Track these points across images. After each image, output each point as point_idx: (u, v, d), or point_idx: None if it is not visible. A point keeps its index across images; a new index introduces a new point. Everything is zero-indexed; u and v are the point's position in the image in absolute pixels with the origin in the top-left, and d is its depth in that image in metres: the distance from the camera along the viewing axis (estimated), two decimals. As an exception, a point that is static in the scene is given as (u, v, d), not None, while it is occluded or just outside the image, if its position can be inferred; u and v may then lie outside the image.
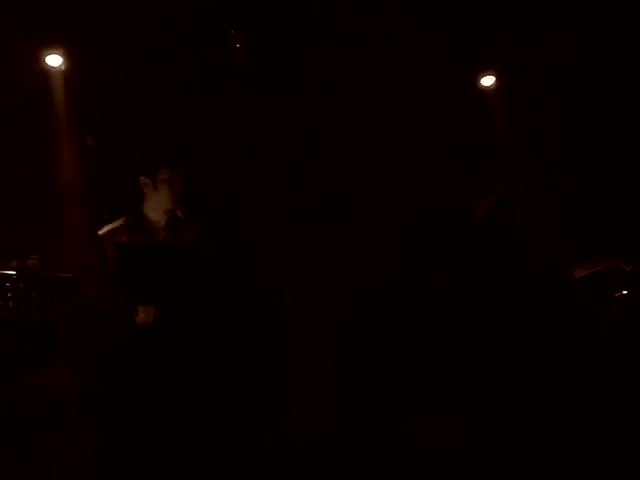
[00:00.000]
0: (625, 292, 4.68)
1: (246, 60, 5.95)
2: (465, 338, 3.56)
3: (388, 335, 4.01)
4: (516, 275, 3.67)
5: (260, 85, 6.01)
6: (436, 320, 3.62)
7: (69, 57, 5.77)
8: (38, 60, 5.74)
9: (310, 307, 5.09)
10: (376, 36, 5.97)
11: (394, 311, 3.96)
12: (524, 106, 6.12)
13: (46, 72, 5.78)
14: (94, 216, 5.40)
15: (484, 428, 3.55)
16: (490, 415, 3.52)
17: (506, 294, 3.61)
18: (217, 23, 5.91)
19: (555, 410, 3.61)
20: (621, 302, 4.69)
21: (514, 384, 3.53)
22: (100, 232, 4.71)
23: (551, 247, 4.93)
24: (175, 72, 5.91)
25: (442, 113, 6.04)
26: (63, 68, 5.77)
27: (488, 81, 6.30)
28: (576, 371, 3.78)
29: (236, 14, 5.93)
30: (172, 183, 4.71)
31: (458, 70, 6.11)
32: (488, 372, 3.54)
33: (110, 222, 4.76)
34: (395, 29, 5.96)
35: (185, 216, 4.77)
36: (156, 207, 4.74)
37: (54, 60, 5.75)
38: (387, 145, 6.07)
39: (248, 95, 6.01)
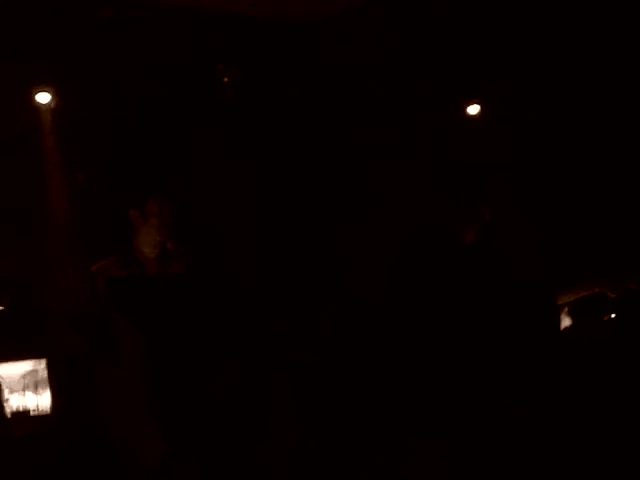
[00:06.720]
0: (613, 315, 4.71)
1: (234, 92, 6.02)
2: (450, 364, 3.59)
3: (370, 358, 4.03)
4: (502, 301, 3.70)
5: (247, 116, 6.08)
6: (420, 344, 3.64)
7: (58, 94, 5.82)
8: (28, 97, 5.79)
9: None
10: (361, 66, 6.06)
11: (376, 333, 3.99)
12: (510, 133, 6.17)
13: (36, 109, 5.82)
14: (86, 252, 5.44)
15: (469, 453, 3.56)
16: (475, 440, 3.53)
17: (492, 320, 3.64)
18: (205, 57, 5.99)
19: (543, 435, 3.63)
20: (609, 325, 4.72)
21: (500, 409, 3.55)
22: (93, 268, 4.78)
23: (537, 273, 4.96)
24: (163, 106, 5.98)
25: (428, 141, 6.10)
26: (52, 105, 5.83)
27: (474, 110, 6.38)
28: (563, 395, 3.80)
29: (223, 48, 6.01)
30: (161, 216, 4.77)
31: (443, 99, 6.19)
32: (473, 396, 3.56)
33: (103, 258, 4.83)
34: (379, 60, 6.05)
35: (175, 248, 4.83)
36: (146, 240, 4.80)
37: (43, 97, 5.81)
38: (371, 173, 6.14)
39: (236, 126, 6.08)
